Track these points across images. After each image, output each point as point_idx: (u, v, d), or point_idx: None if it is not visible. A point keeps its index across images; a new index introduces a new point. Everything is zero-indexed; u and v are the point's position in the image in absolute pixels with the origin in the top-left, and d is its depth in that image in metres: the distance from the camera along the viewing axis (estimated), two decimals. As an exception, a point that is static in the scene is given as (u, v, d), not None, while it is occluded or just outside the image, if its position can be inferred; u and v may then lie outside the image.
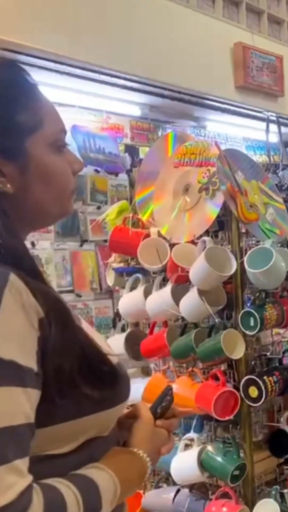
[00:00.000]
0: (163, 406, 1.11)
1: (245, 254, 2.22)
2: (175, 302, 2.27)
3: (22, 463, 0.79)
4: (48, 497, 0.80)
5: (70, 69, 3.52)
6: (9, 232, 0.87)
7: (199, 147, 2.36)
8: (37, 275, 0.88)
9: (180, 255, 2.25)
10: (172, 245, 2.32)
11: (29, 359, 0.82)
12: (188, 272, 2.19)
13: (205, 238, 2.24)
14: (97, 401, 0.91)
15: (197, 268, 2.16)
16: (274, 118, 5.14)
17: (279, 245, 2.35)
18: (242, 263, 2.20)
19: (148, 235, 2.41)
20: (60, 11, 3.39)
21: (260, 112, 5.01)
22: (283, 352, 2.52)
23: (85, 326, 0.99)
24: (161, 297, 2.34)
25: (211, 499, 2.27)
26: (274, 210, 2.39)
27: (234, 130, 5.47)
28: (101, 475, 0.90)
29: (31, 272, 0.86)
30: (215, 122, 5.06)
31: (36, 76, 3.40)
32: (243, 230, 2.33)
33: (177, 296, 2.28)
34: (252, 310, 2.21)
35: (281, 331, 2.66)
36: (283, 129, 5.29)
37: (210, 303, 2.18)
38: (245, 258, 2.19)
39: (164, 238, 2.38)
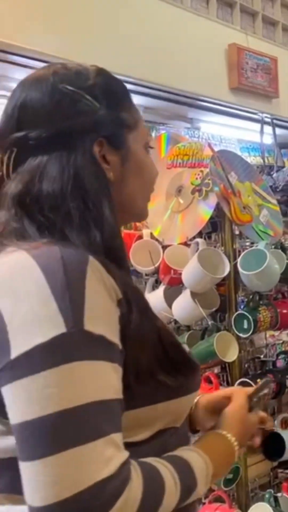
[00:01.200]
0: (260, 396, 1.11)
1: (239, 256, 2.21)
2: (168, 304, 2.26)
3: (118, 438, 0.78)
4: (147, 474, 0.80)
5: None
6: (113, 216, 0.91)
7: (192, 148, 2.35)
8: (124, 266, 0.91)
9: (172, 257, 2.23)
10: (164, 247, 2.31)
11: (115, 336, 0.81)
12: (180, 274, 2.18)
13: (198, 239, 2.23)
14: (172, 388, 0.90)
15: (190, 270, 2.15)
16: (268, 120, 5.12)
17: (273, 247, 2.34)
18: (235, 265, 2.19)
19: (140, 237, 2.40)
20: (51, 11, 3.37)
21: (255, 113, 4.99)
22: (277, 355, 2.51)
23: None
24: (154, 299, 2.32)
25: (204, 503, 2.26)
26: (268, 211, 2.38)
27: (228, 132, 5.45)
28: (193, 456, 0.90)
29: (120, 261, 0.89)
30: (209, 123, 5.03)
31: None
32: (237, 232, 2.32)
33: (169, 299, 2.27)
34: (246, 313, 2.20)
35: (275, 333, 2.65)
36: (278, 130, 5.27)
37: (203, 305, 2.17)
38: (238, 260, 2.18)
39: (157, 239, 2.37)
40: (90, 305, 0.79)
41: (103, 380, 0.78)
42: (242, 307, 2.32)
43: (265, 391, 1.14)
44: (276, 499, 2.30)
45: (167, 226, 2.33)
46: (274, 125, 5.17)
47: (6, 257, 0.85)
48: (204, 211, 2.22)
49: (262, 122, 5.08)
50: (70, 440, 0.74)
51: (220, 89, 4.55)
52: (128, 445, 0.82)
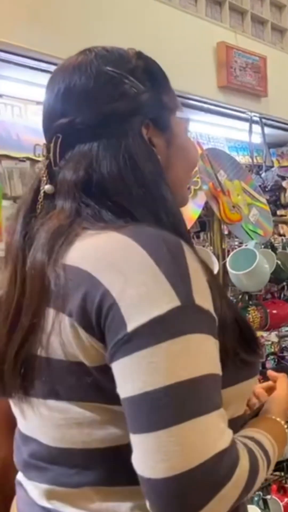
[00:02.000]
0: None
1: (228, 255, 2.19)
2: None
3: (224, 412, 0.78)
4: (249, 451, 0.80)
5: (47, 66, 3.46)
6: (174, 200, 0.91)
7: (180, 146, 2.32)
8: (190, 243, 0.90)
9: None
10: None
11: (214, 312, 0.82)
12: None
13: (187, 239, 2.20)
14: (245, 368, 0.91)
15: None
16: (257, 119, 5.12)
17: (262, 246, 2.32)
18: (224, 264, 2.17)
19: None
20: (38, 6, 3.34)
21: (243, 112, 4.98)
22: (267, 356, 2.49)
23: None
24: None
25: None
26: (258, 210, 2.36)
27: (216, 131, 5.44)
28: (263, 438, 0.89)
29: (186, 239, 0.87)
30: (197, 122, 5.02)
31: (14, 73, 3.35)
32: (226, 231, 2.29)
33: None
34: (235, 313, 2.17)
35: (265, 334, 2.63)
36: (267, 129, 5.27)
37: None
38: (227, 260, 2.15)
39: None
40: (195, 282, 0.79)
41: (213, 354, 0.79)
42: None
43: None
44: (265, 501, 2.28)
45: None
46: (263, 124, 5.17)
47: (93, 238, 0.84)
48: (193, 210, 2.19)
49: (251, 121, 5.07)
50: (193, 411, 0.74)
51: (209, 88, 4.53)
52: None
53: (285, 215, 5.80)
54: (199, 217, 2.22)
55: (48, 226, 0.87)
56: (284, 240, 2.66)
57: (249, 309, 2.23)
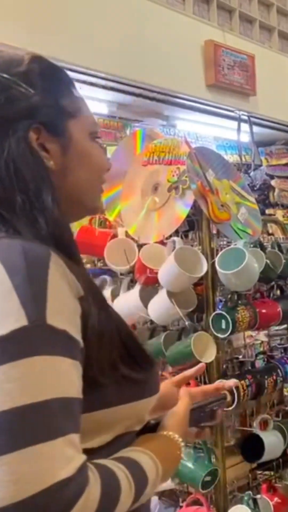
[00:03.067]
0: (213, 408, 1.12)
1: (217, 255, 2.17)
2: (144, 304, 2.22)
3: (77, 438, 0.75)
4: (104, 476, 0.77)
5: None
6: (57, 207, 0.88)
7: (168, 145, 2.31)
8: (77, 260, 0.89)
9: (148, 256, 2.19)
10: (140, 246, 2.26)
11: (76, 333, 0.80)
12: (157, 273, 2.14)
13: (175, 238, 2.19)
14: (133, 387, 0.90)
15: (166, 270, 2.10)
16: (245, 118, 5.11)
17: (251, 245, 2.30)
18: (213, 264, 2.15)
19: (115, 236, 2.35)
20: (20, 2, 3.30)
21: (232, 111, 4.97)
22: (256, 355, 2.48)
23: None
24: (129, 299, 2.28)
25: (181, 506, 2.23)
26: (247, 209, 2.35)
27: (205, 129, 5.42)
28: (143, 457, 0.88)
29: (72, 255, 0.87)
30: (185, 121, 5.00)
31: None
32: (214, 231, 2.28)
33: (145, 298, 2.23)
34: (224, 313, 2.16)
35: (254, 333, 2.62)
36: (255, 128, 5.26)
37: (180, 305, 2.13)
38: (216, 259, 2.14)
39: (132, 238, 2.32)
40: (53, 300, 0.77)
41: (65, 377, 0.76)
42: (220, 307, 2.28)
43: (216, 407, 1.14)
44: (255, 501, 2.27)
45: (143, 224, 2.29)
46: (251, 123, 5.16)
47: None
48: (181, 209, 2.18)
49: (239, 120, 5.06)
50: (29, 438, 0.70)
51: (197, 86, 4.51)
52: (84, 452, 0.79)
53: (274, 214, 5.80)
54: (188, 216, 2.20)
55: None
56: (273, 239, 2.65)
57: (238, 308, 2.22)
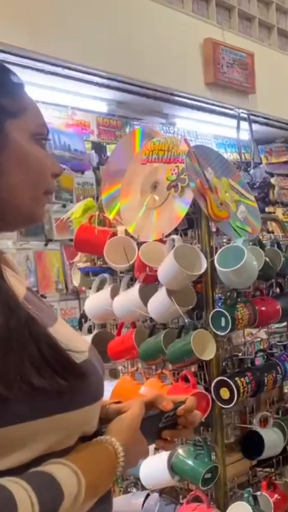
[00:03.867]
0: (166, 421, 1.04)
1: (216, 253, 2.18)
2: (143, 302, 2.22)
3: None
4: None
5: (32, 63, 3.43)
6: None
7: (167, 143, 2.31)
8: None
9: (148, 254, 2.19)
10: (139, 244, 2.26)
11: None
12: (156, 271, 2.14)
13: (174, 236, 2.19)
14: (55, 399, 0.83)
15: (166, 268, 2.11)
16: (245, 115, 5.12)
17: (251, 243, 2.31)
18: (212, 262, 2.16)
19: (114, 234, 2.35)
20: (20, 2, 3.30)
21: (231, 109, 4.99)
22: (255, 353, 2.48)
23: (60, 322, 0.96)
24: (129, 297, 2.28)
25: (182, 504, 2.23)
26: (246, 207, 2.35)
27: (204, 127, 5.44)
28: (58, 468, 0.82)
29: None
30: (184, 119, 5.02)
31: None
32: (214, 229, 2.28)
33: (145, 296, 2.23)
34: (223, 310, 2.17)
35: (254, 331, 2.63)
36: (255, 126, 5.27)
37: (179, 303, 2.13)
38: (215, 257, 2.14)
39: (132, 236, 2.32)
40: None
41: None
42: (219, 304, 2.28)
43: (170, 418, 1.05)
44: (255, 498, 2.27)
45: (142, 222, 2.29)
46: (250, 121, 5.17)
47: None
48: (180, 207, 2.18)
49: (239, 118, 5.07)
50: None
51: (196, 84, 4.52)
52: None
53: (274, 212, 5.81)
54: (187, 214, 2.20)
55: None
56: (273, 237, 2.65)
57: (237, 306, 2.22)
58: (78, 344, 0.92)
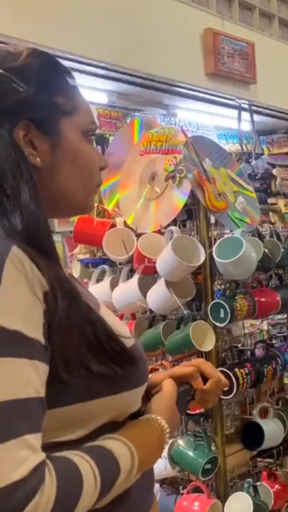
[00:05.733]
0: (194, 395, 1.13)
1: (214, 244, 2.17)
2: (142, 293, 2.22)
3: (34, 439, 0.75)
4: (62, 474, 0.77)
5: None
6: (34, 203, 0.88)
7: (165, 134, 2.30)
8: (50, 252, 0.88)
9: (146, 246, 2.19)
10: (138, 235, 2.26)
11: (35, 331, 0.79)
12: (155, 262, 2.14)
13: (172, 227, 2.19)
14: (109, 381, 0.89)
15: (164, 259, 2.10)
16: (246, 106, 5.10)
17: (249, 234, 2.30)
18: (211, 253, 2.15)
19: (113, 225, 2.35)
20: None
21: (232, 99, 4.96)
22: (255, 344, 2.48)
23: (104, 310, 1.00)
24: (128, 289, 2.28)
25: (182, 494, 2.24)
26: (244, 198, 2.34)
27: (205, 118, 5.41)
28: (115, 444, 0.88)
29: (46, 251, 0.86)
30: (185, 110, 5.00)
31: None
32: (212, 220, 2.28)
33: (144, 288, 2.23)
34: (222, 301, 2.16)
35: (257, 322, 2.63)
36: (256, 117, 5.25)
37: (178, 294, 2.13)
38: (214, 248, 2.14)
39: (130, 228, 2.32)
40: (5, 299, 0.77)
41: (18, 378, 0.75)
42: (218, 296, 2.28)
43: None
44: (255, 488, 2.28)
45: (141, 214, 2.29)
46: (252, 112, 5.15)
47: None
48: (178, 198, 2.17)
49: (240, 109, 5.05)
50: None
51: (196, 75, 4.50)
52: (64, 444, 0.81)
53: (276, 204, 5.79)
54: (185, 205, 2.20)
55: None
56: (272, 228, 2.64)
57: (236, 297, 2.22)
58: (123, 329, 0.99)
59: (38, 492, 0.72)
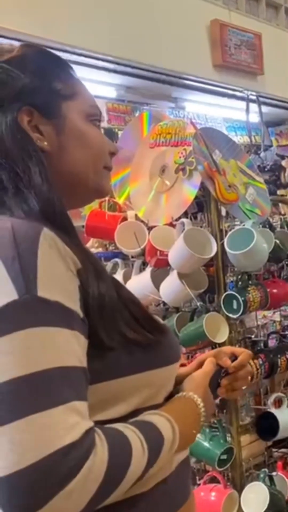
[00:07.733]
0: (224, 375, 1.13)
1: (226, 235, 2.17)
2: (155, 286, 2.23)
3: (82, 406, 0.77)
4: (113, 440, 0.78)
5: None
6: (46, 183, 0.90)
7: (174, 126, 2.30)
8: (71, 233, 0.89)
9: (158, 238, 2.20)
10: (150, 228, 2.27)
11: (73, 303, 0.81)
12: (167, 255, 2.15)
13: (184, 220, 2.19)
14: (148, 355, 0.91)
15: (176, 251, 2.11)
16: (254, 97, 5.07)
17: (260, 225, 2.30)
18: (222, 245, 2.16)
19: (125, 219, 2.36)
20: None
21: (240, 91, 4.94)
22: (268, 335, 2.49)
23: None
24: (141, 281, 2.29)
25: (199, 484, 2.25)
26: (255, 190, 2.34)
27: (213, 111, 5.40)
28: (155, 417, 0.89)
29: (65, 229, 0.88)
30: (193, 102, 4.98)
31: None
32: (223, 212, 2.28)
33: (157, 280, 2.24)
34: (235, 293, 2.17)
35: (269, 313, 2.63)
36: (264, 108, 5.23)
37: (191, 286, 2.14)
38: (225, 240, 2.14)
39: (142, 221, 2.32)
40: (43, 273, 0.79)
41: (62, 346, 0.77)
42: (231, 287, 2.29)
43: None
44: (271, 478, 2.29)
45: (152, 207, 2.29)
46: (259, 103, 5.12)
47: None
48: (189, 190, 2.18)
49: (248, 100, 5.03)
50: (29, 407, 0.72)
51: (204, 67, 4.49)
52: (101, 423, 0.81)
53: (286, 195, 5.76)
54: (196, 197, 2.20)
55: None
56: (283, 219, 2.64)
57: (249, 288, 2.22)
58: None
59: (91, 453, 0.74)
